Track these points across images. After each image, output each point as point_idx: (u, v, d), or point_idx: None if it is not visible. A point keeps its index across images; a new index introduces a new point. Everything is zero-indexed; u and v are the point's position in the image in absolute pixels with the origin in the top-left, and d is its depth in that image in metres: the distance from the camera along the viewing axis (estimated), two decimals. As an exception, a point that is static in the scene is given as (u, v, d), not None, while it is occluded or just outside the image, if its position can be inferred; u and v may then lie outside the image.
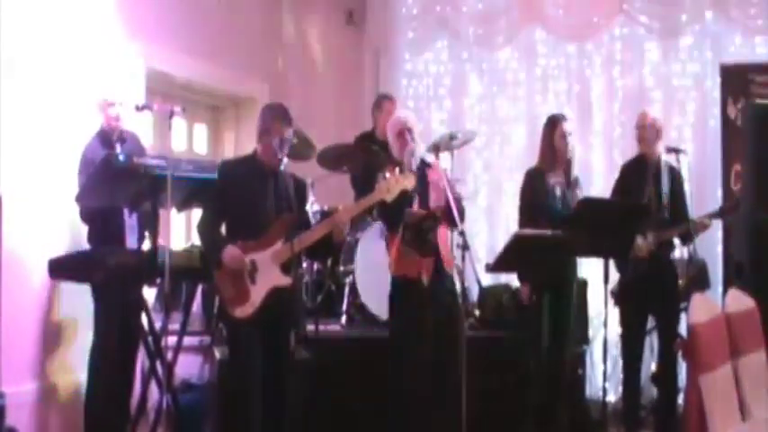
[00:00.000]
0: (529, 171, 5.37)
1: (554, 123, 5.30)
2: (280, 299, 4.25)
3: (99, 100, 5.07)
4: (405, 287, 4.68)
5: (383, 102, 6.94)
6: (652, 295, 5.36)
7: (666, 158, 5.50)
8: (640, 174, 5.44)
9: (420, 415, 4.64)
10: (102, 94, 5.12)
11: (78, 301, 5.14)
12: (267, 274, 4.25)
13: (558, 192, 5.20)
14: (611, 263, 5.23)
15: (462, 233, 4.59)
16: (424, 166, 4.77)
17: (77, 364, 5.16)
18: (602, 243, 4.90)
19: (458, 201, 4.65)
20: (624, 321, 5.55)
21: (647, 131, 5.43)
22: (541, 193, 5.19)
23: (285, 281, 4.26)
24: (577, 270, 5.41)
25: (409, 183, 4.46)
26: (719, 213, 5.49)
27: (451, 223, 4.61)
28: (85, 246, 4.99)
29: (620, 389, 6.47)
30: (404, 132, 4.75)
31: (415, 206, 4.64)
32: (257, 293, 4.25)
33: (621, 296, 5.51)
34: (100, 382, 4.98)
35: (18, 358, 4.92)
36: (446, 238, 4.73)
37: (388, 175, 4.43)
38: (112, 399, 5.06)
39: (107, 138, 5.01)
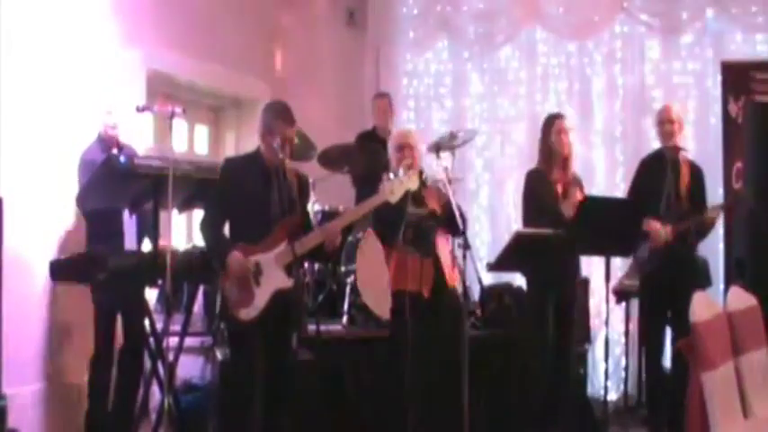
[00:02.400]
0: (529, 172, 5.36)
1: (551, 121, 5.30)
2: (282, 300, 4.25)
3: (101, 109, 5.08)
4: (405, 299, 4.65)
5: (375, 99, 7.02)
6: (669, 289, 5.33)
7: (685, 153, 5.49)
8: (660, 168, 5.40)
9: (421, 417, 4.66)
10: (101, 101, 5.14)
11: (80, 303, 5.14)
12: (271, 276, 4.25)
13: (559, 190, 5.20)
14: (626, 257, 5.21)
15: (463, 232, 4.60)
16: (421, 186, 4.75)
17: (79, 365, 5.16)
18: (604, 242, 4.90)
19: (460, 212, 4.64)
20: (642, 314, 5.56)
21: (673, 126, 5.38)
22: (543, 192, 5.18)
23: (289, 282, 4.26)
24: (579, 269, 5.39)
25: (413, 184, 4.45)
26: (723, 207, 5.51)
27: (453, 231, 4.60)
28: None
29: (621, 387, 6.50)
30: (404, 148, 4.76)
31: None
32: (262, 296, 4.24)
33: (640, 288, 5.52)
34: (101, 383, 4.99)
35: (20, 360, 4.92)
36: (448, 251, 4.72)
37: (392, 176, 4.43)
38: (114, 401, 5.07)
39: (105, 143, 5.03)
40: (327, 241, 4.34)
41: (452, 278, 4.70)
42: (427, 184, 4.82)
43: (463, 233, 4.59)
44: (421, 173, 4.77)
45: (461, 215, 4.63)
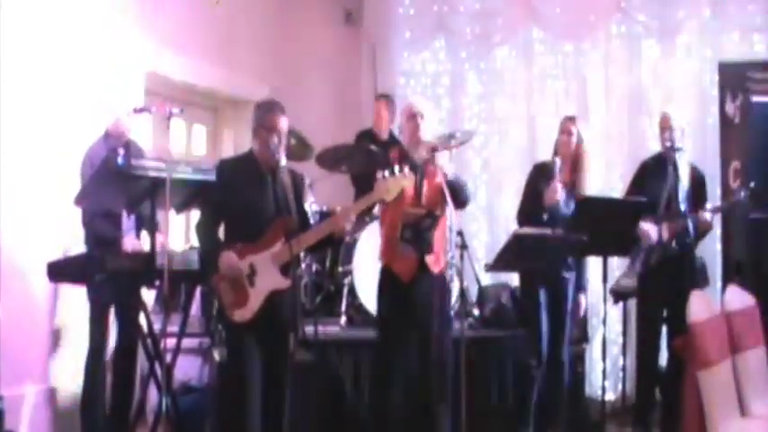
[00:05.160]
0: (536, 164, 5.40)
1: (561, 122, 5.40)
2: (279, 301, 4.24)
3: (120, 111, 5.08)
4: (387, 281, 4.78)
5: (376, 101, 7.01)
6: (666, 289, 5.33)
7: (686, 157, 5.50)
8: (660, 171, 5.41)
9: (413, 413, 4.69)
10: (100, 101, 5.14)
11: (77, 304, 5.14)
12: (266, 276, 4.23)
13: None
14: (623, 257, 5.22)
15: (460, 233, 4.60)
16: (426, 161, 4.77)
17: (76, 367, 5.16)
18: (602, 242, 4.90)
19: (460, 186, 4.70)
20: (639, 315, 5.57)
21: (674, 134, 5.38)
22: (543, 186, 5.20)
23: (284, 283, 4.24)
24: (574, 268, 5.38)
25: (408, 182, 4.45)
26: (720, 210, 5.53)
27: (455, 202, 4.63)
28: (83, 248, 5.00)
29: (619, 386, 6.50)
30: (415, 117, 4.77)
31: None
32: (256, 297, 4.22)
33: (638, 288, 5.54)
34: (96, 385, 4.99)
35: (17, 361, 4.92)
36: (440, 237, 4.74)
37: (387, 174, 4.43)
38: (110, 402, 5.07)
39: (112, 140, 5.03)
40: (337, 231, 4.34)
41: (437, 263, 4.72)
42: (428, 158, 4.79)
43: (459, 232, 4.59)
44: (434, 148, 4.77)
45: (464, 193, 4.71)
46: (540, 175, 5.26)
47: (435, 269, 4.72)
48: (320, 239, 4.32)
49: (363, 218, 5.94)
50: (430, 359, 4.67)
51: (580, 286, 5.29)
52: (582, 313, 5.40)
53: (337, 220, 4.30)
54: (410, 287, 4.71)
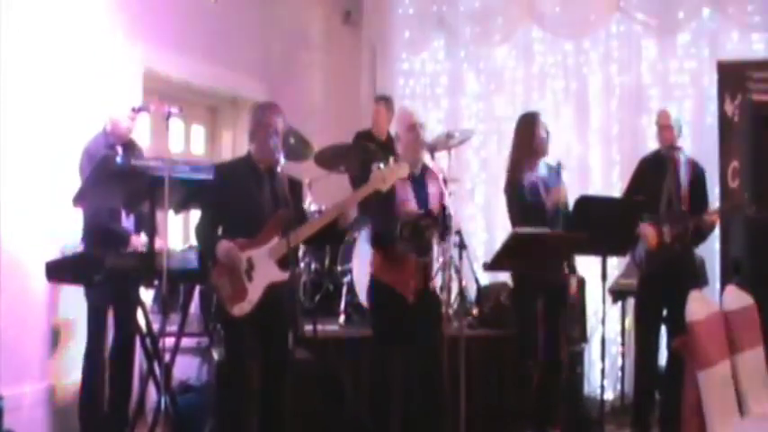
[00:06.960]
0: (518, 167, 5.37)
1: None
2: (277, 296, 4.24)
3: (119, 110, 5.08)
4: (388, 296, 4.66)
5: (375, 103, 7.01)
6: (666, 288, 5.33)
7: (686, 153, 5.50)
8: (660, 168, 5.41)
9: (413, 414, 4.68)
10: (99, 100, 5.14)
11: (76, 304, 5.14)
12: (264, 270, 4.23)
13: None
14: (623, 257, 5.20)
15: (459, 232, 4.60)
16: (425, 169, 4.77)
17: (75, 366, 5.16)
18: (601, 241, 4.90)
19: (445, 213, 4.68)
20: (638, 314, 5.57)
21: (672, 132, 5.38)
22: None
23: (282, 276, 4.24)
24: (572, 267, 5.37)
25: (404, 171, 4.45)
26: (722, 210, 5.53)
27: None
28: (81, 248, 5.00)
29: (618, 386, 6.50)
30: (415, 127, 4.73)
31: (412, 203, 4.63)
32: (254, 290, 4.22)
33: (638, 287, 5.54)
34: (94, 384, 4.98)
35: (16, 360, 4.92)
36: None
37: (382, 165, 4.44)
38: (109, 400, 5.07)
39: (111, 137, 5.02)
40: (341, 216, 4.34)
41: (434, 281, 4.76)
42: (430, 169, 4.79)
43: (458, 231, 4.59)
44: (432, 148, 4.78)
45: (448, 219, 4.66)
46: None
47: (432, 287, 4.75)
48: (319, 231, 4.31)
49: (362, 217, 5.94)
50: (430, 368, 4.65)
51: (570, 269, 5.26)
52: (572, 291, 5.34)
53: (333, 211, 4.31)
54: (414, 306, 4.63)
